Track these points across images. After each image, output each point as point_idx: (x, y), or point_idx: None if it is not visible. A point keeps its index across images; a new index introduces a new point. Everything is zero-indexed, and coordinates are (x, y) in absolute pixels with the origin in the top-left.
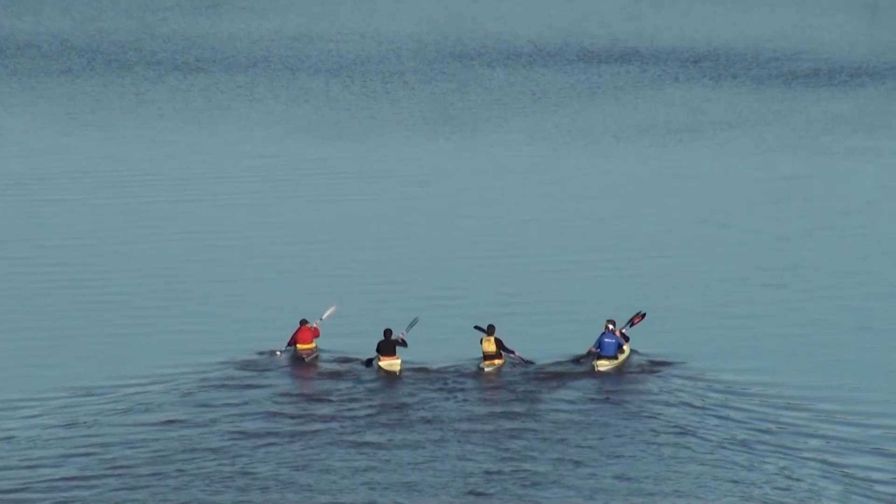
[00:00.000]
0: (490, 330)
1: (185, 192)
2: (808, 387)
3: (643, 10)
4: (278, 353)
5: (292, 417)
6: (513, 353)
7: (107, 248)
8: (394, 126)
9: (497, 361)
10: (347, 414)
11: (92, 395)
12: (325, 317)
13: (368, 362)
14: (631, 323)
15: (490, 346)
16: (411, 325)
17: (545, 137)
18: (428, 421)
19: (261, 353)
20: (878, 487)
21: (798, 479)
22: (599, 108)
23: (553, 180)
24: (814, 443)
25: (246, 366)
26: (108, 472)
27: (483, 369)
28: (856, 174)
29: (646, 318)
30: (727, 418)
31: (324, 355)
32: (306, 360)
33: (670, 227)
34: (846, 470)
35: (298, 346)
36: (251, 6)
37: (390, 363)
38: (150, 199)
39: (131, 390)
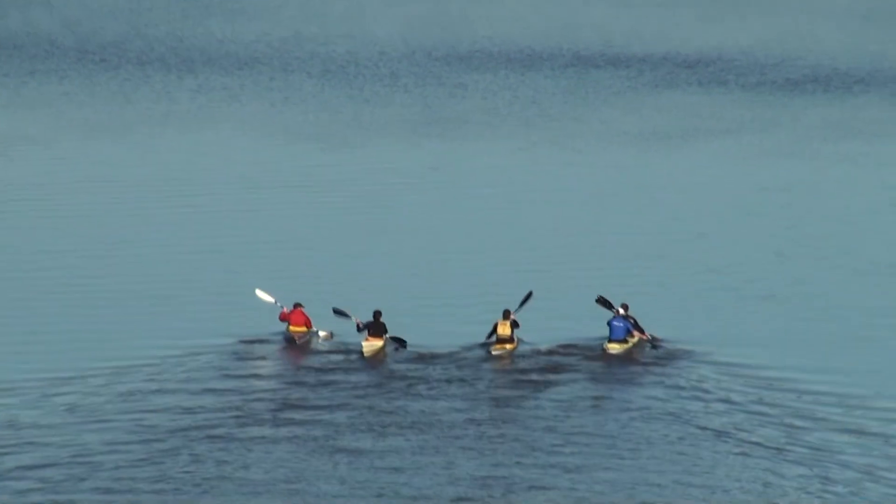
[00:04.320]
0: (505, 314)
1: (169, 192)
2: (797, 368)
3: (636, 15)
4: (263, 295)
5: (275, 415)
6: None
7: (93, 245)
8: (383, 129)
9: (508, 346)
10: (332, 412)
11: (71, 382)
12: (321, 333)
13: (339, 312)
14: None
15: (505, 330)
16: (524, 301)
17: (537, 141)
18: (419, 420)
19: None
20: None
21: (793, 461)
22: (591, 113)
23: (544, 184)
24: (815, 424)
25: (234, 353)
26: (78, 464)
27: (491, 353)
28: (849, 180)
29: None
30: (731, 402)
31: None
32: (298, 342)
33: (661, 227)
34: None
35: (291, 327)
36: (240, 8)
37: (371, 344)
38: (138, 198)
39: (119, 376)
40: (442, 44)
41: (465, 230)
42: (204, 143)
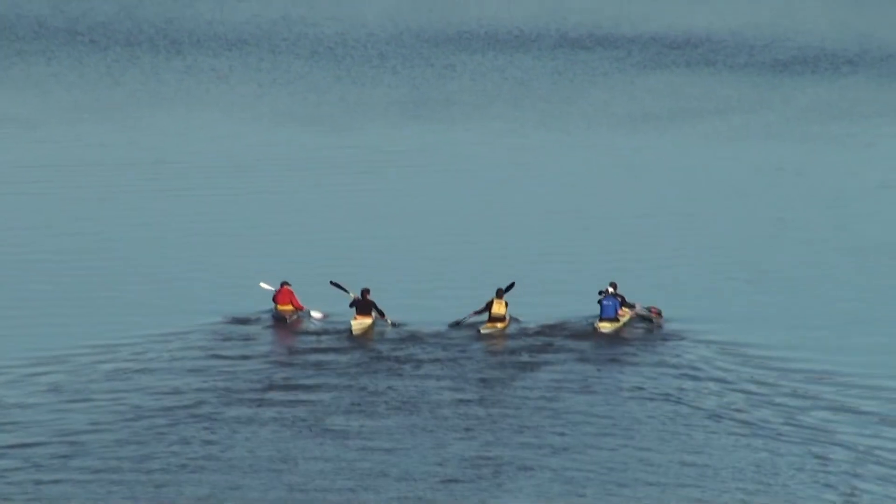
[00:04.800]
0: (499, 293)
1: (157, 173)
2: (788, 347)
3: None
4: (266, 286)
5: (261, 395)
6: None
7: (79, 225)
8: (371, 111)
9: (500, 325)
10: (319, 393)
11: (56, 361)
12: (312, 314)
13: (336, 284)
14: (649, 310)
15: (500, 309)
16: (508, 288)
17: (525, 123)
18: (407, 401)
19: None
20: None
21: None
22: (580, 94)
23: (532, 165)
24: (807, 403)
25: (221, 333)
26: (63, 444)
27: (481, 331)
28: (837, 160)
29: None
30: (725, 382)
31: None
32: (288, 320)
33: (650, 207)
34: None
35: (279, 307)
36: None
37: (360, 323)
38: (125, 179)
39: (106, 355)
40: (430, 25)
41: (454, 211)
42: (192, 125)
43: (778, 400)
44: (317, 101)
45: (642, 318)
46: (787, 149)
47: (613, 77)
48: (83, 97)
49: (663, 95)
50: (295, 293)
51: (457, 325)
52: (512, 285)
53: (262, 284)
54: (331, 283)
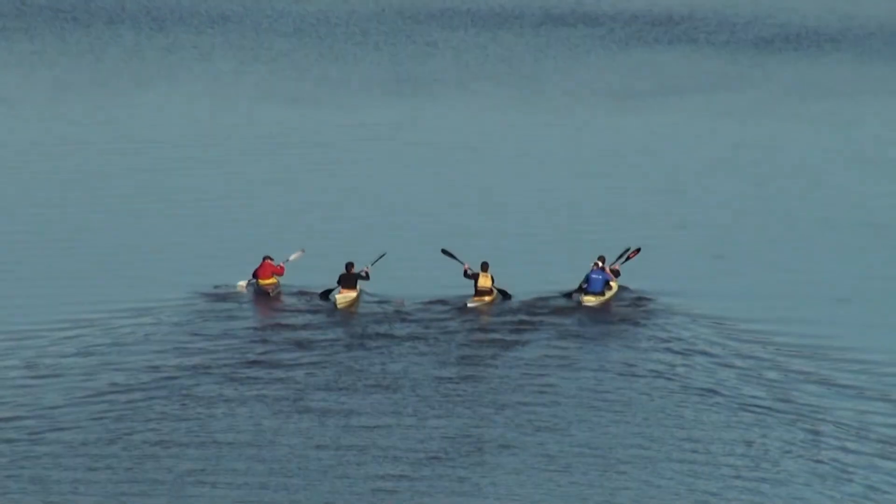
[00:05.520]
0: (484, 266)
1: (138, 149)
2: (771, 321)
3: None
4: (242, 285)
5: (242, 372)
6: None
7: (58, 200)
8: (353, 88)
9: (487, 298)
10: (300, 370)
11: (31, 337)
12: (291, 259)
13: (325, 294)
14: (626, 258)
15: (486, 282)
16: (378, 258)
17: (507, 99)
18: (389, 378)
19: (217, 287)
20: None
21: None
22: (562, 71)
23: (514, 142)
24: (792, 377)
25: (206, 306)
26: (37, 420)
27: (467, 305)
28: (819, 138)
29: (640, 252)
30: (711, 355)
31: (287, 290)
32: (270, 294)
33: (633, 183)
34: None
35: (260, 281)
36: None
37: (345, 296)
38: (106, 155)
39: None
40: (412, 2)
41: (437, 187)
42: (174, 102)
43: (764, 374)
44: (299, 77)
45: (625, 261)
46: (769, 126)
47: (596, 53)
48: (65, 74)
49: (645, 72)
50: (274, 266)
51: (448, 254)
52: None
53: (240, 284)
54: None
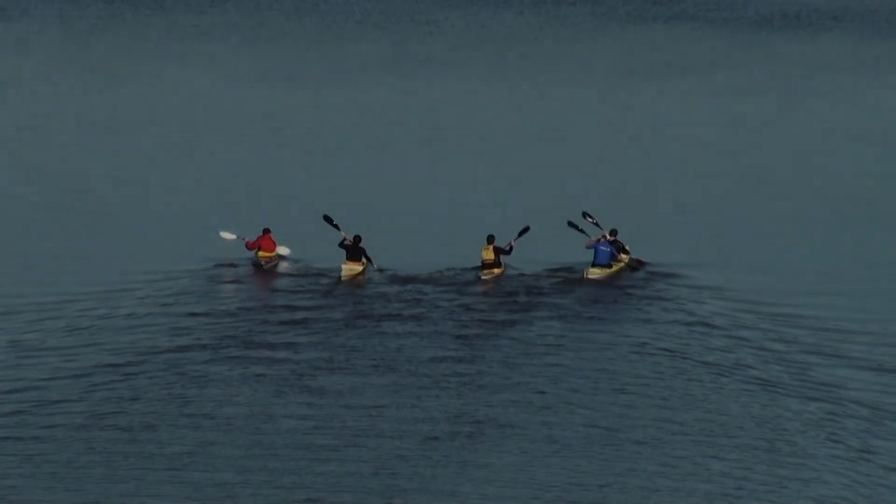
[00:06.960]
0: (490, 239)
1: (137, 128)
2: (779, 293)
3: None
4: (229, 236)
5: (239, 350)
6: (508, 251)
7: (53, 176)
8: (354, 67)
9: (496, 270)
10: (299, 349)
11: (22, 312)
12: (223, 235)
13: (328, 218)
14: (519, 234)
15: (489, 255)
16: (522, 232)
17: (508, 78)
18: (389, 357)
19: (218, 265)
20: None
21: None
22: (562, 50)
23: (515, 119)
24: (792, 349)
25: (198, 284)
26: (25, 399)
27: (480, 278)
28: (820, 114)
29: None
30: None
31: (283, 264)
32: (265, 266)
33: (634, 159)
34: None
35: (260, 253)
36: None
37: (350, 268)
38: (104, 133)
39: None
40: None
41: (439, 164)
42: (174, 81)
43: (765, 345)
44: (299, 57)
45: (632, 269)
46: (770, 102)
47: (596, 32)
48: (64, 54)
49: (645, 50)
50: (274, 240)
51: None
52: (526, 229)
53: (223, 234)
54: (324, 217)
